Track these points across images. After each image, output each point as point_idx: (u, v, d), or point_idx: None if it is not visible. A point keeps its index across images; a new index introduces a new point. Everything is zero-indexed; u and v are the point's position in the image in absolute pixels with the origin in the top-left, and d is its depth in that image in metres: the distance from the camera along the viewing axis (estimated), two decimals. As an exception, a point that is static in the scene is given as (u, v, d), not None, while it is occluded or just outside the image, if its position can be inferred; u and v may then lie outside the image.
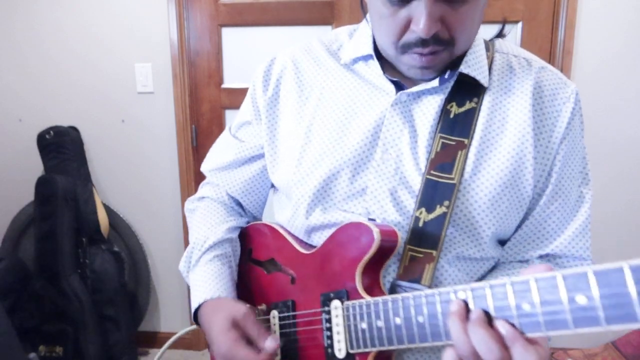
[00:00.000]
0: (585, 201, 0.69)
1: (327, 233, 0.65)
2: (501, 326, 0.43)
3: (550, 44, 1.86)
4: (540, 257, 0.69)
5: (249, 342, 0.63)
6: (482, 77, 0.65)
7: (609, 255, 1.80)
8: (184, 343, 2.28)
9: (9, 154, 2.21)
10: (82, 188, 2.06)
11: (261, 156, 0.79)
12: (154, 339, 2.30)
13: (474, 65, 0.65)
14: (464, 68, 0.64)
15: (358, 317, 0.57)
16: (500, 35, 0.72)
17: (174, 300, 2.26)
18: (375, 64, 0.68)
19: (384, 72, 0.68)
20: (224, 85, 2.07)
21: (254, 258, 0.76)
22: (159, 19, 1.99)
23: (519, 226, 0.68)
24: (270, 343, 0.61)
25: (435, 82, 0.64)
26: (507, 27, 0.73)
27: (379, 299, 0.55)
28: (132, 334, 2.16)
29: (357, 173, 0.66)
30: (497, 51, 0.69)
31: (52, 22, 2.06)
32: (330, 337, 0.61)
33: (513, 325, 0.43)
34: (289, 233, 0.73)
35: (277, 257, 0.72)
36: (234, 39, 2.03)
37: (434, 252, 0.60)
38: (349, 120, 0.68)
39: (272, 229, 0.75)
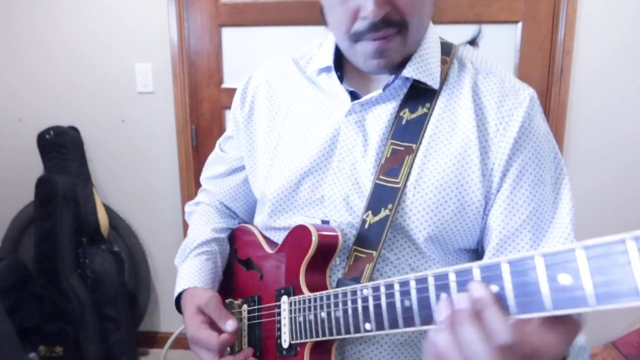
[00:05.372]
0: (562, 201, 0.66)
1: (285, 234, 0.71)
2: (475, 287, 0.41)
3: (550, 44, 1.86)
4: None
5: (214, 325, 0.70)
6: (429, 79, 0.66)
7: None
8: (184, 343, 2.28)
9: (9, 154, 2.21)
10: (82, 188, 2.06)
11: (243, 167, 0.85)
12: (154, 339, 2.30)
13: (421, 68, 0.66)
14: (408, 72, 0.65)
15: (299, 311, 0.64)
16: (472, 43, 0.73)
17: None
18: (333, 75, 0.71)
19: (344, 82, 0.71)
20: (224, 85, 2.07)
21: (238, 257, 0.83)
22: (159, 19, 1.99)
23: (488, 243, 0.66)
24: (230, 325, 0.68)
25: (380, 91, 0.67)
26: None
27: (317, 294, 0.61)
28: (132, 334, 2.15)
29: (317, 181, 0.70)
30: (456, 57, 0.70)
31: (52, 22, 2.06)
32: (280, 329, 0.67)
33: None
34: (261, 234, 0.79)
35: (252, 256, 0.79)
36: (234, 39, 2.03)
37: (374, 253, 0.64)
38: (310, 132, 0.72)
39: (250, 231, 0.81)
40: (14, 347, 1.60)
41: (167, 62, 2.03)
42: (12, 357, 1.58)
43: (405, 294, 0.48)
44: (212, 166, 0.90)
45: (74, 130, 2.11)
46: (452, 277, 0.44)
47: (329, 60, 0.71)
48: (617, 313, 1.52)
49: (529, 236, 0.63)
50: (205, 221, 0.86)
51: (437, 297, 0.45)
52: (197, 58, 2.05)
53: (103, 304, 2.03)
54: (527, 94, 0.66)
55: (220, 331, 0.69)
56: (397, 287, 0.49)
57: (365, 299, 0.53)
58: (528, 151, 0.64)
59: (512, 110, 0.64)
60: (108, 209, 2.17)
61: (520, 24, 1.85)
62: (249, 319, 0.75)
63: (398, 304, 0.49)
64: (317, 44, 0.79)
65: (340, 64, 0.73)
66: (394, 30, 0.60)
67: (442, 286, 0.45)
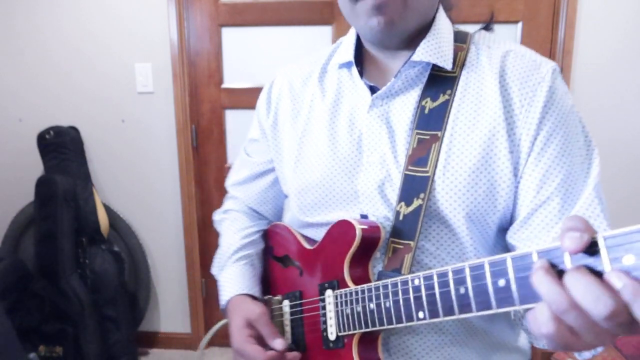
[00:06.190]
0: (592, 172, 0.65)
1: (324, 230, 0.72)
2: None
3: (550, 44, 1.86)
4: None
5: (261, 340, 0.72)
6: (441, 60, 0.66)
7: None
8: (184, 343, 2.28)
9: (9, 154, 2.21)
10: (82, 188, 2.06)
11: (271, 170, 0.86)
12: (154, 339, 2.30)
13: (432, 51, 0.66)
14: (417, 56, 0.66)
15: (346, 304, 0.65)
16: (486, 28, 0.74)
17: (174, 300, 2.26)
18: (354, 70, 0.72)
19: (364, 77, 0.71)
20: (224, 85, 2.07)
21: (274, 255, 0.86)
22: (159, 19, 1.99)
23: (523, 221, 0.66)
24: (279, 343, 0.70)
25: (391, 79, 0.68)
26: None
27: (364, 286, 0.62)
28: (132, 334, 2.15)
29: (349, 177, 0.71)
30: (473, 43, 0.70)
31: (52, 22, 2.06)
32: (325, 322, 0.69)
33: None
34: (297, 231, 0.81)
35: (290, 253, 0.81)
36: (234, 39, 2.03)
37: (412, 243, 0.64)
38: (335, 129, 0.73)
39: (285, 228, 0.83)
40: (14, 347, 1.60)
41: (167, 62, 2.03)
42: (12, 357, 1.58)
43: (460, 281, 0.48)
44: (238, 171, 0.91)
45: (74, 130, 2.11)
46: (510, 262, 0.43)
47: (349, 55, 0.72)
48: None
49: (557, 208, 0.62)
50: (237, 227, 0.88)
51: (494, 284, 0.44)
52: (197, 58, 2.05)
53: (103, 304, 2.03)
54: (549, 67, 0.65)
55: (266, 346, 0.71)
56: (451, 275, 0.49)
57: (417, 289, 0.54)
58: (553, 123, 0.63)
59: (535, 86, 0.64)
60: (108, 209, 2.17)
61: (520, 24, 1.85)
62: (291, 314, 0.76)
63: (453, 292, 0.49)
64: (338, 42, 0.79)
65: (360, 59, 0.73)
66: None
67: (500, 272, 0.44)
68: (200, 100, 2.09)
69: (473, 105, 0.66)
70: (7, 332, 1.58)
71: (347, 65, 0.74)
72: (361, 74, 0.72)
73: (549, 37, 1.85)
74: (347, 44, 0.74)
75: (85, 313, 1.96)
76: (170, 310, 2.28)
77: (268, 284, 0.86)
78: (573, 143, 0.64)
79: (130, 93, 2.08)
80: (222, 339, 2.31)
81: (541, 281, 0.38)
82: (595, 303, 0.35)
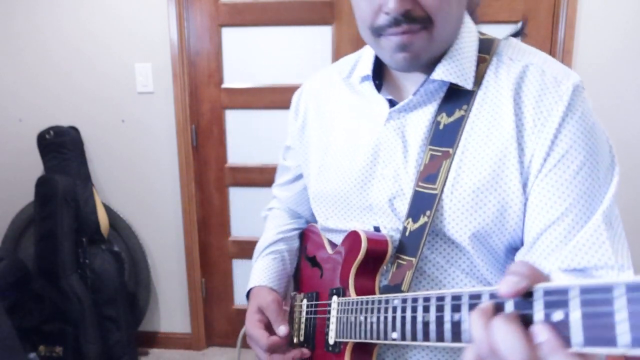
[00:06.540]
0: (608, 194, 0.61)
1: (342, 236, 0.74)
2: (540, 330, 0.35)
3: (550, 44, 1.86)
4: (565, 271, 0.60)
5: (270, 326, 0.78)
6: (461, 80, 0.65)
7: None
8: (184, 343, 2.28)
9: (9, 154, 2.21)
10: (82, 188, 2.06)
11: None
12: (154, 339, 2.30)
13: (452, 69, 0.65)
14: (437, 74, 0.64)
15: (345, 312, 0.67)
16: (516, 34, 0.71)
17: (174, 300, 2.26)
18: (370, 83, 0.72)
19: (383, 90, 0.72)
20: (224, 85, 2.07)
21: (307, 254, 0.90)
22: (159, 19, 1.99)
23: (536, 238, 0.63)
24: (281, 330, 0.75)
25: (411, 96, 0.67)
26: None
27: (359, 298, 0.64)
28: (132, 334, 2.16)
29: (365, 189, 0.72)
30: (496, 54, 0.68)
31: (52, 22, 2.06)
32: (328, 326, 0.72)
33: (557, 332, 0.35)
34: (324, 235, 0.85)
35: (316, 254, 0.85)
36: (234, 39, 2.03)
37: (414, 260, 0.64)
38: (356, 139, 0.74)
39: (317, 231, 0.87)
40: (14, 347, 1.60)
41: (167, 62, 2.03)
42: (12, 357, 1.58)
43: (426, 309, 0.49)
44: (280, 175, 0.97)
45: (74, 130, 2.11)
46: (465, 299, 0.43)
47: (368, 69, 0.72)
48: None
49: (563, 233, 0.59)
50: (275, 224, 0.93)
51: (451, 317, 0.45)
52: (197, 58, 2.05)
53: (103, 304, 2.03)
54: (570, 84, 0.62)
55: (273, 332, 0.77)
56: (420, 301, 0.50)
57: (394, 309, 0.55)
58: (567, 143, 0.60)
59: (551, 105, 0.61)
60: (108, 209, 2.17)
61: (520, 24, 1.85)
62: (307, 312, 0.80)
63: (420, 319, 0.50)
64: (360, 52, 0.79)
65: (380, 72, 0.74)
66: (417, 26, 0.60)
67: (456, 307, 0.44)
68: (200, 100, 2.09)
69: (487, 123, 0.64)
70: (7, 332, 1.58)
71: (366, 78, 0.73)
72: (380, 86, 0.72)
73: (549, 37, 1.85)
74: (368, 56, 0.74)
75: (85, 313, 1.96)
76: (170, 310, 2.28)
77: (298, 282, 0.91)
78: (592, 164, 0.61)
79: (130, 93, 2.08)
80: (222, 339, 2.31)
81: (473, 322, 0.39)
82: (511, 351, 0.36)
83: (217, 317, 2.30)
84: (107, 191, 2.20)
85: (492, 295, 0.41)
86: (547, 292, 0.36)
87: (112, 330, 2.05)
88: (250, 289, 0.86)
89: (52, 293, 1.96)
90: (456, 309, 0.44)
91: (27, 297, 1.98)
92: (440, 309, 0.47)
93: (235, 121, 2.11)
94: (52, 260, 1.96)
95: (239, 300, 2.28)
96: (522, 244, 0.65)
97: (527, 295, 0.37)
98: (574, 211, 0.60)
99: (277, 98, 2.02)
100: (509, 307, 0.39)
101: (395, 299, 0.55)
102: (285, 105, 2.02)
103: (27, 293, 1.98)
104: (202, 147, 2.14)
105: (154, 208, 2.19)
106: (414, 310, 0.51)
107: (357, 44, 1.95)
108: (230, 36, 2.03)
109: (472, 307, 0.42)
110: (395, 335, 0.54)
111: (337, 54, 1.97)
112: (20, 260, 2.05)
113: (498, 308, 0.39)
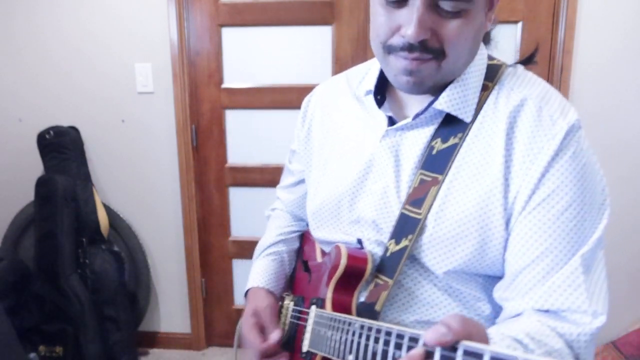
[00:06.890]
0: (593, 236, 0.60)
1: (328, 247, 0.76)
2: None
3: (550, 44, 1.86)
4: (539, 311, 0.60)
5: (263, 329, 0.79)
6: (461, 112, 0.64)
7: (608, 256, 1.79)
8: (184, 343, 2.28)
9: (9, 154, 2.21)
10: (82, 188, 2.06)
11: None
12: (154, 339, 2.30)
13: (455, 101, 0.64)
14: (440, 104, 0.64)
15: (318, 324, 0.69)
16: (525, 62, 0.70)
17: (174, 300, 2.26)
18: (372, 98, 0.72)
19: (384, 106, 0.72)
20: (224, 85, 2.07)
21: (302, 257, 0.92)
22: (159, 19, 1.99)
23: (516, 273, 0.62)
24: (273, 336, 0.76)
25: (409, 119, 0.67)
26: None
27: (330, 314, 0.65)
28: (132, 334, 2.16)
29: (354, 201, 0.72)
30: (499, 83, 0.66)
31: (52, 22, 2.06)
32: (304, 334, 0.73)
33: None
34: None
35: (309, 259, 0.87)
36: (234, 39, 2.03)
37: (390, 282, 0.65)
38: (354, 151, 0.74)
39: (313, 237, 0.87)
40: (14, 347, 1.60)
41: (167, 62, 2.03)
42: (12, 357, 1.58)
43: (376, 340, 0.51)
44: (284, 177, 0.98)
45: (74, 130, 2.11)
46: (405, 340, 0.46)
47: (371, 84, 0.72)
48: (617, 313, 1.52)
49: (542, 273, 0.59)
50: (277, 224, 0.95)
51: (394, 354, 0.47)
52: (197, 58, 2.05)
53: (103, 304, 2.03)
54: (565, 123, 0.60)
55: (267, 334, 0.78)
56: (373, 331, 0.52)
57: (354, 333, 0.57)
58: (554, 183, 0.59)
59: (542, 144, 0.60)
60: (108, 209, 2.17)
61: (520, 24, 1.85)
62: (292, 316, 0.82)
63: (370, 348, 0.52)
64: (370, 63, 0.79)
65: (384, 86, 0.73)
66: (429, 55, 0.60)
67: (398, 346, 0.47)
68: (200, 100, 2.09)
69: (478, 155, 0.63)
70: (7, 332, 1.58)
71: (370, 92, 0.73)
72: (383, 101, 0.72)
73: (549, 37, 1.85)
74: (373, 71, 0.74)
75: (85, 313, 1.96)
76: (170, 310, 2.28)
77: (292, 282, 0.93)
78: (579, 205, 0.59)
79: (130, 93, 2.08)
80: (222, 339, 2.31)
81: None
82: None
83: (217, 317, 2.30)
84: (107, 191, 2.20)
85: (426, 343, 0.43)
86: (466, 352, 0.38)
87: (112, 330, 2.05)
88: (249, 289, 0.87)
89: (52, 293, 1.96)
90: (398, 347, 0.47)
91: (27, 297, 1.98)
92: (386, 343, 0.49)
93: (235, 121, 2.11)
94: (52, 260, 1.96)
95: (239, 300, 2.28)
96: (500, 273, 0.65)
97: (452, 349, 0.39)
98: (554, 252, 0.59)
99: (277, 98, 2.02)
100: (437, 356, 0.41)
101: (357, 323, 0.57)
102: (285, 105, 2.04)
103: (27, 293, 1.98)
104: (202, 147, 2.14)
105: (154, 208, 2.19)
106: (368, 338, 0.53)
107: (357, 44, 1.95)
108: (230, 36, 2.03)
109: (409, 348, 0.45)
110: (350, 357, 0.56)
111: (337, 54, 1.97)
112: (20, 260, 2.05)
113: (428, 355, 0.42)
